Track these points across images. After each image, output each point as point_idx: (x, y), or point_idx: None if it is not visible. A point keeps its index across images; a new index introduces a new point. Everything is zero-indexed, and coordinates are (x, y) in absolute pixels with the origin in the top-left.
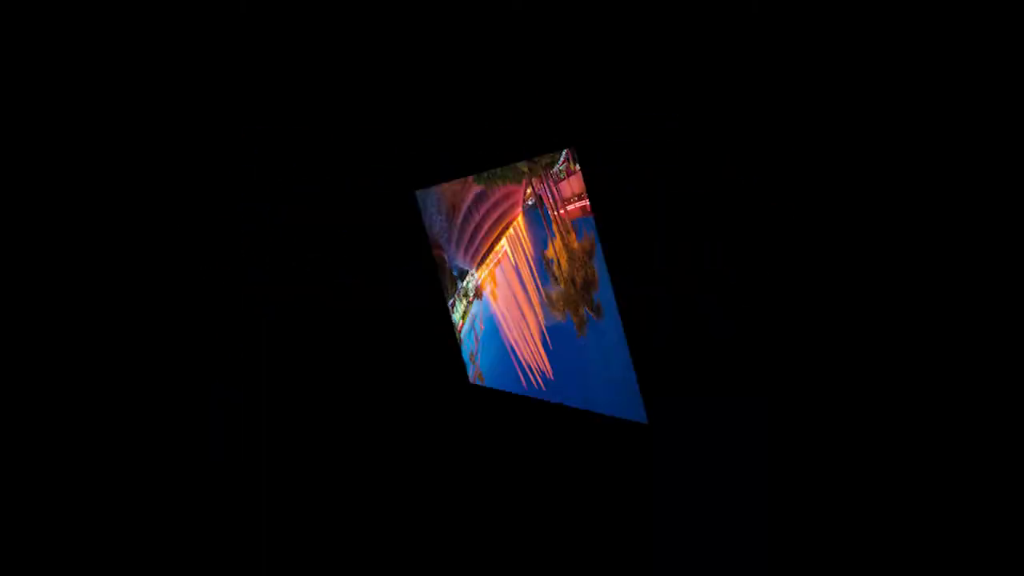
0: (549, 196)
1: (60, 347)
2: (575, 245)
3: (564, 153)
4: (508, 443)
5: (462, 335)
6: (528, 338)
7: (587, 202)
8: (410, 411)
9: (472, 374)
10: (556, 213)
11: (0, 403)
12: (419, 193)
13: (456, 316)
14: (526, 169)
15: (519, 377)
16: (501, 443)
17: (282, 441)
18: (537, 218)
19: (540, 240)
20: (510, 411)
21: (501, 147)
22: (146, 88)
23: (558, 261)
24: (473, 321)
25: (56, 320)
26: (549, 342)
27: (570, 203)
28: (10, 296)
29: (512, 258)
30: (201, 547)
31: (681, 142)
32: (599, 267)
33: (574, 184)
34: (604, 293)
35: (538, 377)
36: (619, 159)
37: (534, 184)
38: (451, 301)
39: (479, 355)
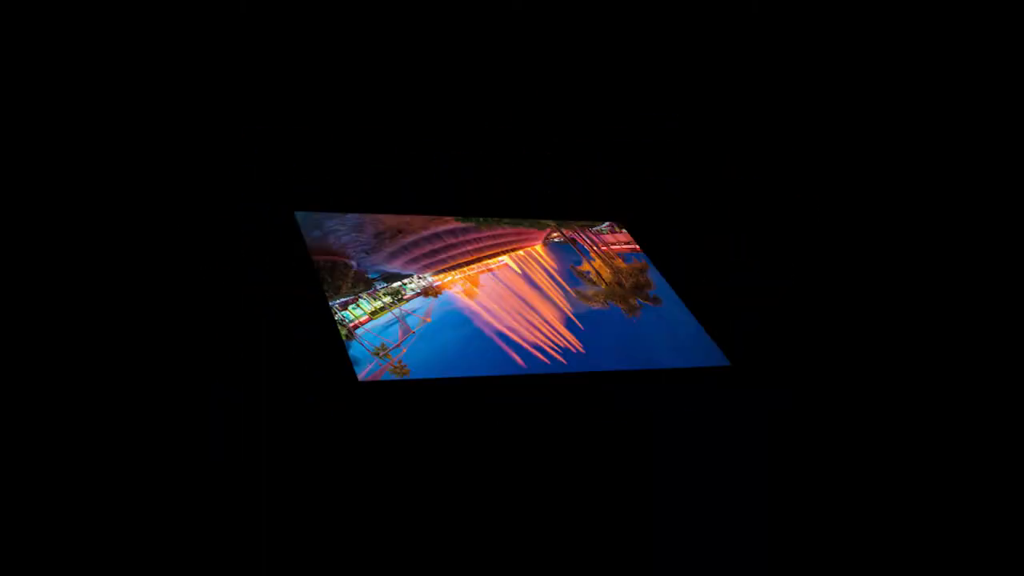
0: (586, 239)
1: (59, 347)
2: (623, 264)
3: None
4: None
5: (363, 329)
6: (540, 324)
7: (635, 245)
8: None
9: (374, 371)
10: (597, 249)
11: None
12: (308, 215)
13: (356, 313)
14: (553, 223)
15: (514, 358)
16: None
17: (282, 441)
18: (566, 248)
19: (570, 259)
20: (469, 395)
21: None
22: (146, 88)
23: (597, 273)
24: (403, 316)
25: (55, 320)
26: (580, 325)
27: (614, 245)
28: (9, 296)
29: (518, 268)
30: (201, 547)
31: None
32: (654, 276)
33: (619, 237)
34: (662, 290)
35: (555, 355)
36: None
37: (564, 232)
38: (343, 300)
39: (404, 348)
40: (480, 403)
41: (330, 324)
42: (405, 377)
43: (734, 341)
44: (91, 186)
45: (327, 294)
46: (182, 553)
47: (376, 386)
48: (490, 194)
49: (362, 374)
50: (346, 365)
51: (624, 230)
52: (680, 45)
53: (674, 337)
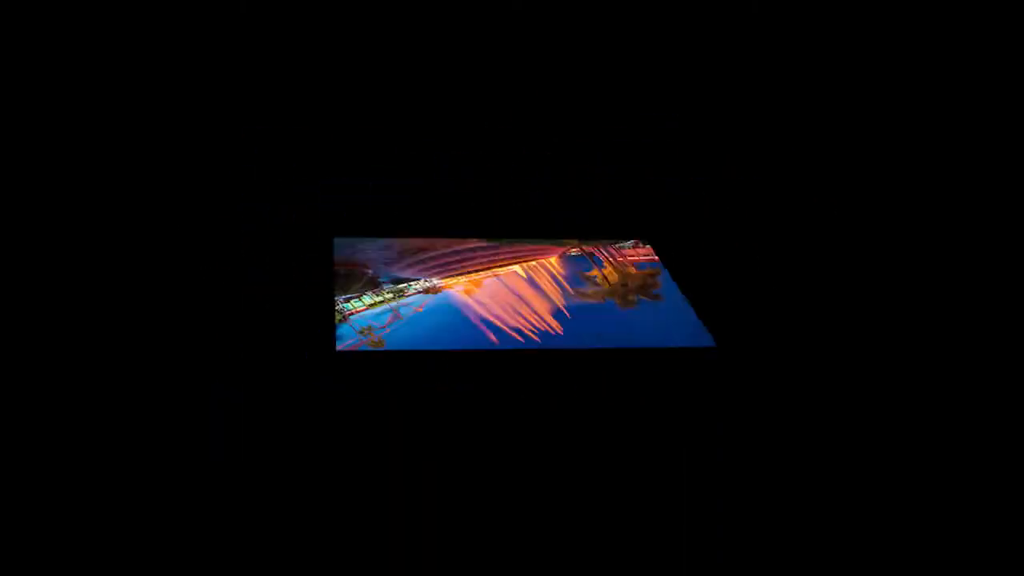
0: (605, 253)
1: (60, 347)
2: (634, 271)
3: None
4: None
5: (357, 316)
6: (528, 314)
7: (654, 256)
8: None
9: (352, 344)
10: (614, 260)
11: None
12: (345, 240)
13: (355, 304)
14: (578, 243)
15: (489, 337)
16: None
17: (282, 441)
18: (580, 259)
19: (581, 267)
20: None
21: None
22: (146, 88)
23: (604, 277)
24: (398, 307)
25: (56, 320)
26: (568, 314)
27: (632, 256)
28: (10, 296)
29: (525, 274)
30: (201, 547)
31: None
32: (665, 281)
33: (639, 250)
34: (667, 290)
35: (531, 335)
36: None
37: (584, 247)
38: (347, 296)
39: (388, 328)
40: (448, 372)
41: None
42: (379, 348)
43: (729, 329)
44: (99, 187)
45: (336, 293)
46: (181, 551)
47: (352, 355)
48: (517, 215)
49: (341, 346)
50: (330, 341)
51: (647, 246)
52: (685, 48)
53: (664, 324)
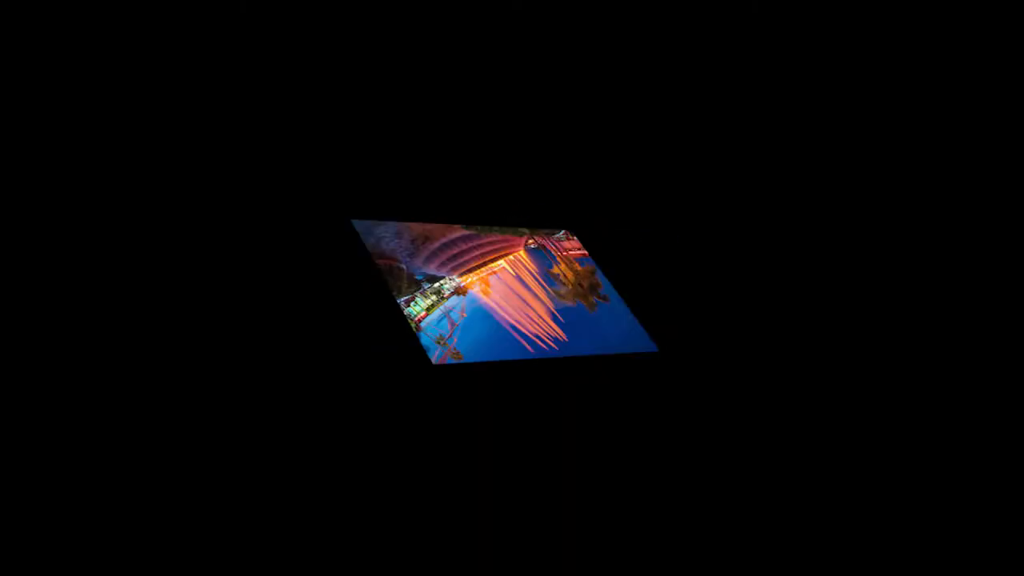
0: (552, 245)
1: (61, 347)
2: (579, 268)
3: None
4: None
5: (425, 323)
6: (536, 318)
7: (584, 251)
8: (382, 398)
9: (440, 356)
10: (561, 254)
11: None
12: (362, 223)
13: (417, 309)
14: (527, 231)
15: (524, 345)
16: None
17: (282, 441)
18: (540, 253)
19: (545, 263)
20: (502, 375)
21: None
22: (146, 88)
23: (564, 275)
24: (447, 311)
25: (57, 320)
26: (561, 318)
27: (570, 251)
28: (10, 296)
29: (513, 271)
30: (201, 547)
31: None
32: (600, 277)
33: (572, 243)
34: (607, 289)
35: (549, 342)
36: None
37: (536, 239)
38: (406, 298)
39: (455, 337)
40: (505, 380)
41: (397, 318)
42: (459, 361)
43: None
44: (100, 187)
45: (392, 293)
46: (182, 551)
47: (442, 368)
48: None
49: (433, 358)
50: (419, 351)
51: (575, 237)
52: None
53: (619, 328)
